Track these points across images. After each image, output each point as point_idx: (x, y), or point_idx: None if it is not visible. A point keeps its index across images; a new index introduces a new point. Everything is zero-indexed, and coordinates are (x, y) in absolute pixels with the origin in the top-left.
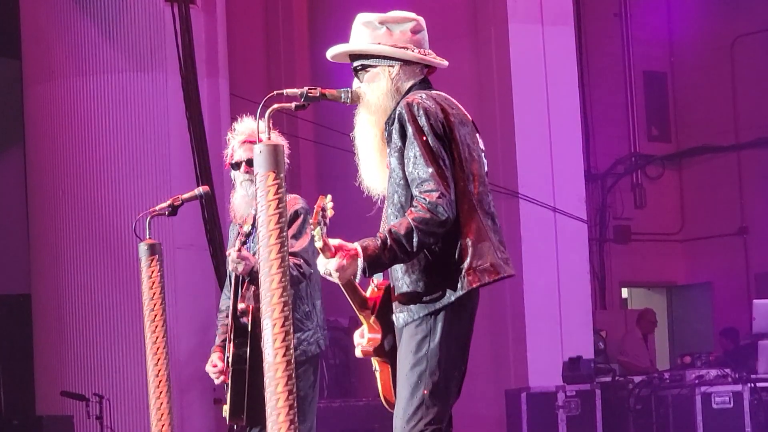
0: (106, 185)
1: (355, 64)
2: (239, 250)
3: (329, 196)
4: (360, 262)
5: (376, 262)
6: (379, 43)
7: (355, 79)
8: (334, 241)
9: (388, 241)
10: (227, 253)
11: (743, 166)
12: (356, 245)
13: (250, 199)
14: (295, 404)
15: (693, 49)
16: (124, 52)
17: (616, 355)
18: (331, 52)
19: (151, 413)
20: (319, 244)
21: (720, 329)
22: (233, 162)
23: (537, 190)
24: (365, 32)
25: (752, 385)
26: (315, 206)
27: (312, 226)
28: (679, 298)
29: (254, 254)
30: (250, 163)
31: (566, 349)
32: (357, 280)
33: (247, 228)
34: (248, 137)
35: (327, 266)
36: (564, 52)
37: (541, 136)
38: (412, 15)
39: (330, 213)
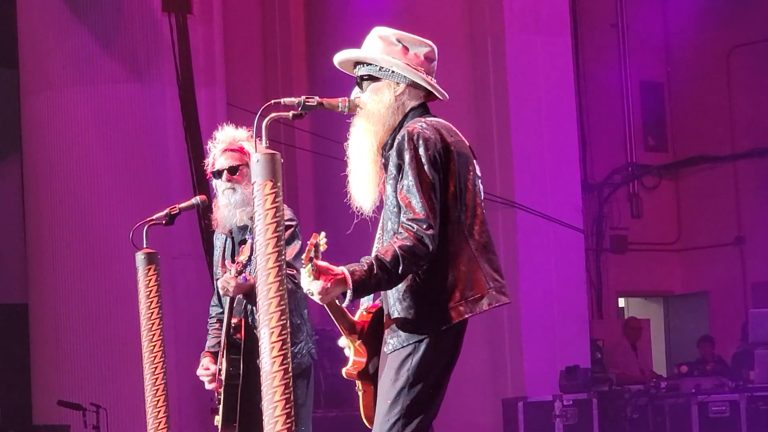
0: (103, 195)
1: (362, 72)
2: (234, 278)
3: (323, 233)
4: (348, 288)
5: (362, 288)
6: (393, 59)
7: (356, 89)
8: (321, 263)
9: (375, 268)
10: (220, 273)
11: (740, 176)
12: (343, 270)
13: (233, 207)
14: (293, 413)
15: (689, 59)
16: (121, 61)
17: (609, 368)
18: (341, 57)
19: (149, 422)
20: (309, 278)
21: (699, 337)
22: (214, 170)
23: (534, 200)
24: (380, 44)
25: (749, 394)
26: (308, 243)
27: (303, 263)
28: (675, 308)
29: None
30: (231, 171)
31: (563, 358)
32: (344, 304)
33: (243, 258)
34: (229, 145)
35: (310, 287)
36: (561, 63)
37: (538, 145)
38: (429, 41)
39: (323, 248)
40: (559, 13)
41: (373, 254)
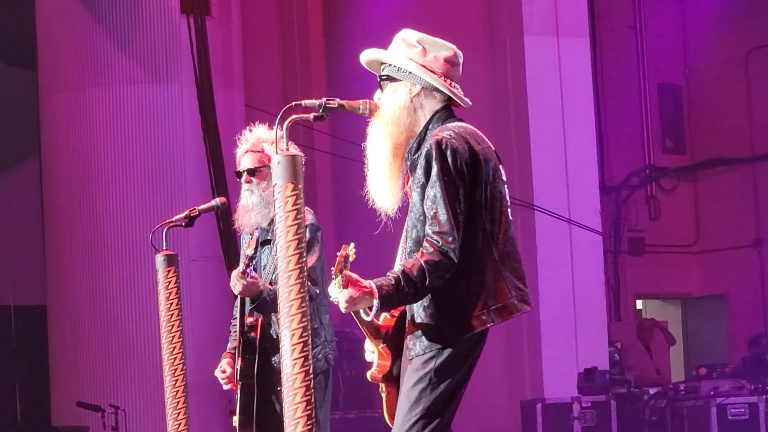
0: (122, 196)
1: (381, 72)
2: (243, 272)
3: (352, 245)
4: (375, 301)
5: (388, 302)
6: (411, 59)
7: (378, 90)
8: (351, 274)
9: (402, 282)
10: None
11: (758, 178)
12: (371, 283)
13: (250, 209)
14: (313, 414)
15: (708, 62)
16: (139, 63)
17: (626, 370)
18: (365, 57)
19: (168, 424)
20: (338, 289)
21: (749, 337)
22: (236, 171)
23: (552, 202)
24: (401, 46)
25: None
26: (338, 254)
27: (334, 275)
28: (694, 310)
29: (264, 267)
30: (251, 172)
31: (581, 360)
32: (369, 318)
33: (249, 251)
34: (252, 146)
35: (338, 296)
36: (579, 65)
37: (556, 148)
38: (453, 46)
39: (351, 258)
40: (578, 14)
41: (398, 266)
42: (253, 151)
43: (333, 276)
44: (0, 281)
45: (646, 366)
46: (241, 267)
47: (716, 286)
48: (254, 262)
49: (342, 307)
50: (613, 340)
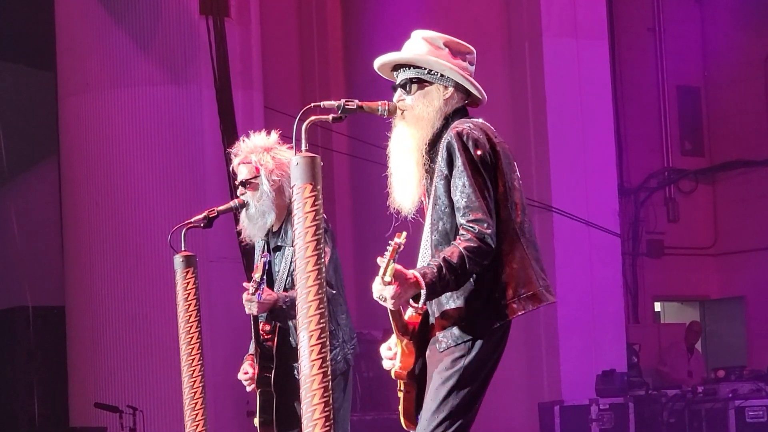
0: (140, 197)
1: (410, 75)
2: (253, 294)
3: (404, 234)
4: (422, 291)
5: (433, 290)
6: (445, 62)
7: (398, 91)
8: (397, 267)
9: (444, 269)
10: (242, 297)
11: None
12: (415, 273)
13: (248, 221)
14: (332, 416)
15: (726, 64)
16: (158, 64)
17: (656, 365)
18: (388, 59)
19: (186, 425)
20: (387, 279)
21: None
22: (237, 183)
23: (570, 204)
24: (426, 47)
25: None
26: (392, 242)
27: (387, 261)
28: (712, 313)
29: (278, 273)
30: (243, 184)
31: (599, 362)
32: (419, 305)
33: (257, 276)
34: (244, 158)
35: (383, 293)
36: (598, 66)
37: (575, 149)
38: (470, 46)
39: (401, 249)
40: (596, 16)
41: (420, 263)
42: (244, 163)
43: (384, 265)
44: (19, 282)
45: (681, 367)
46: (250, 290)
47: (734, 288)
48: (262, 288)
49: (389, 303)
50: (631, 342)
